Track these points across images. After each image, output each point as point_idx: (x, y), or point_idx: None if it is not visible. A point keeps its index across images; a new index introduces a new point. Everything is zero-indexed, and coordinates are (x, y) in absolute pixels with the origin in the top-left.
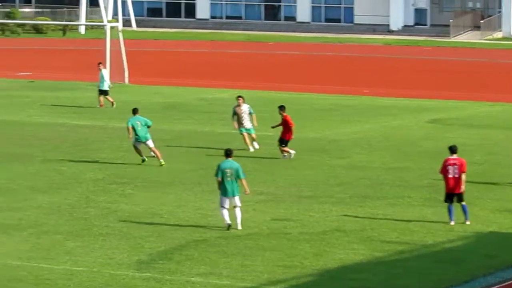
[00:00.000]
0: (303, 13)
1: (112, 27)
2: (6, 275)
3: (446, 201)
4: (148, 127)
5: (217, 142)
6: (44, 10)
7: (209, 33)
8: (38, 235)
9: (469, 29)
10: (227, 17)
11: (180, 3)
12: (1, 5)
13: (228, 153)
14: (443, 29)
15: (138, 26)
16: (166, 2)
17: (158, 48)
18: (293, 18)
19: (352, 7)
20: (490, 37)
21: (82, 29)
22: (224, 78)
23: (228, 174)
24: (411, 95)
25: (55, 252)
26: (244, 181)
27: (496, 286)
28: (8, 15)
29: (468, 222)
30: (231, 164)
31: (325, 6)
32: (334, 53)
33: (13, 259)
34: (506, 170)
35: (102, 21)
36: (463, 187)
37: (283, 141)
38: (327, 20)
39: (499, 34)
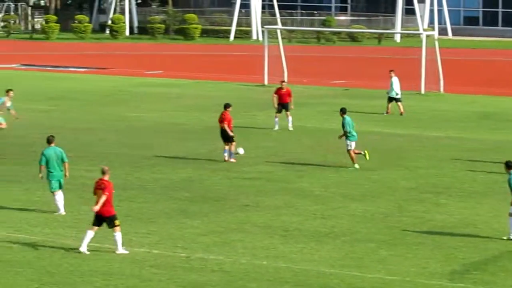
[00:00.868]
0: None
1: (428, 36)
2: (319, 282)
3: None
4: None
5: None
6: (360, 18)
7: None
8: (351, 243)
9: None
10: None
11: (497, 11)
12: (317, 13)
13: (509, 165)
14: None
15: (453, 34)
16: (483, 11)
17: (474, 57)
18: None
19: None
20: None
21: (397, 38)
22: None
23: None
24: None
25: (368, 260)
26: None
27: None
28: (324, 23)
29: None
30: None
31: None
32: None
33: (325, 267)
34: None
35: (417, 30)
36: None
37: None
38: None
39: None
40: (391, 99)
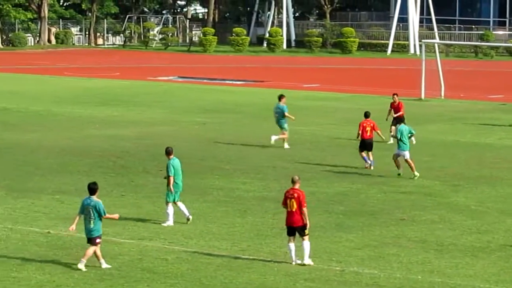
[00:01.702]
0: None
1: None
2: None
3: None
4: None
5: None
6: None
7: None
8: (507, 259)
9: None
10: None
11: None
12: (475, 28)
13: None
14: None
15: None
16: None
17: None
18: None
19: None
20: None
21: None
22: None
23: None
24: None
25: None
26: None
27: None
28: (482, 38)
29: None
30: None
31: None
32: None
33: (481, 282)
34: None
35: None
36: None
37: None
38: None
39: None
40: None
